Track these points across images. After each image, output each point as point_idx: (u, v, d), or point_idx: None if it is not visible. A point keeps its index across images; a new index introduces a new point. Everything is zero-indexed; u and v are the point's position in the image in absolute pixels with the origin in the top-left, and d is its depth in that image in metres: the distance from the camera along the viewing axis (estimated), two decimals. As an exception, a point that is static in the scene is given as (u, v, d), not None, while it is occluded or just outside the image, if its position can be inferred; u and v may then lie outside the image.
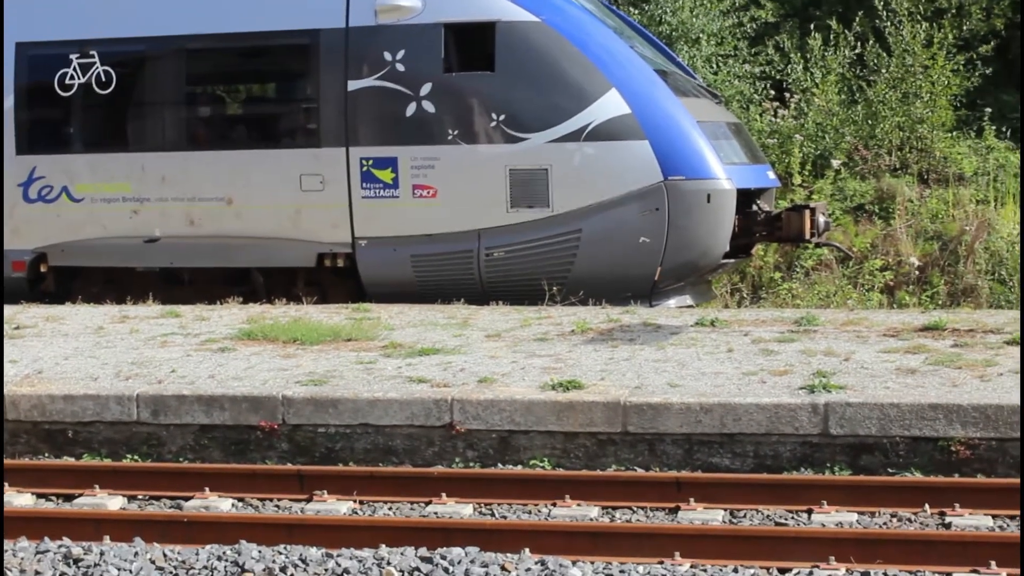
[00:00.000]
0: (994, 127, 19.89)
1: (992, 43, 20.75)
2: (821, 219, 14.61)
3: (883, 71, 19.80)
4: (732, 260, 14.82)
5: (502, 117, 14.10)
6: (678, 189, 13.83)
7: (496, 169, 14.14)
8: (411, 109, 14.29)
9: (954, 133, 20.07)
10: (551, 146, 14.01)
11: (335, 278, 14.85)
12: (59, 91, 15.34)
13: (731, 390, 9.20)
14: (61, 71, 15.31)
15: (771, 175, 15.38)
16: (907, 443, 8.72)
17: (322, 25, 14.64)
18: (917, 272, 17.63)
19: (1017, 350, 10.29)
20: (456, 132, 14.20)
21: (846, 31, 20.05)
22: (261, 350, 11.16)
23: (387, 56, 14.36)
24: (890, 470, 8.67)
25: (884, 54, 19.86)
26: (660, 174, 13.82)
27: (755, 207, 14.64)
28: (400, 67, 14.33)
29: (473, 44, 14.30)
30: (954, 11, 21.33)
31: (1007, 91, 21.77)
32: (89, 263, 15.47)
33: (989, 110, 20.08)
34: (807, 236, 14.52)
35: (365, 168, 14.41)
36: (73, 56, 15.30)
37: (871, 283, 17.36)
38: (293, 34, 14.85)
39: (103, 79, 15.22)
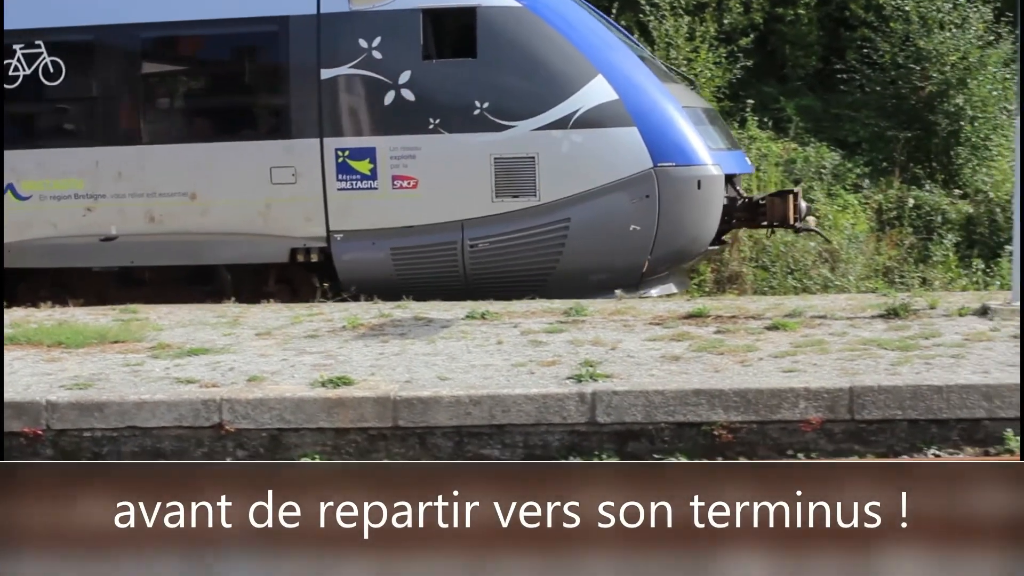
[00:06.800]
0: (756, 118, 20.42)
1: (752, 36, 21.30)
2: (803, 204, 14.62)
3: (648, 64, 20.16)
4: (714, 247, 14.78)
5: (486, 105, 13.82)
6: (668, 176, 13.71)
7: (480, 158, 13.86)
8: (390, 98, 13.96)
9: (718, 124, 20.56)
10: (538, 134, 13.79)
11: (307, 274, 14.47)
12: (2, 84, 14.62)
13: (500, 382, 9.29)
14: (4, 62, 14.58)
15: (748, 161, 15.34)
16: (672, 429, 8.91)
17: (291, 12, 14.21)
18: (684, 260, 17.98)
19: (776, 335, 10.60)
20: (438, 121, 13.89)
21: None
22: (24, 355, 10.88)
23: (362, 43, 14.00)
24: (656, 456, 8.86)
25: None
26: (650, 161, 13.67)
27: (735, 192, 14.58)
28: (377, 54, 13.98)
29: (453, 30, 14.06)
30: (714, 5, 21.83)
31: (767, 83, 22.36)
32: (39, 264, 14.79)
33: (751, 101, 20.60)
34: (791, 221, 14.49)
35: (341, 159, 14.02)
36: (17, 47, 14.60)
37: (640, 272, 17.66)
38: (260, 21, 14.39)
39: (51, 70, 14.55)
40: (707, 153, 13.95)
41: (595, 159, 13.79)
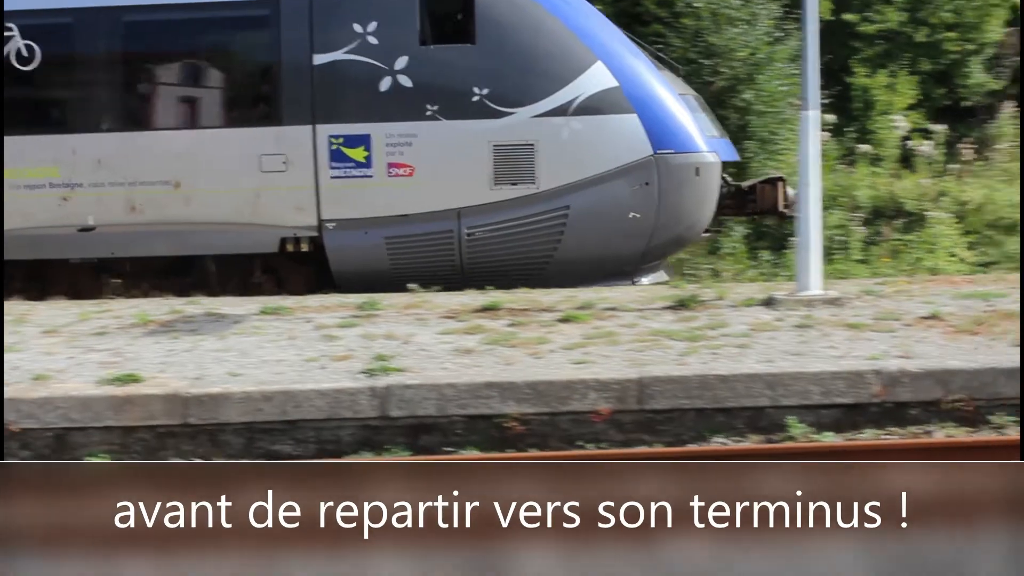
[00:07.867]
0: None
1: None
2: (791, 191, 14.54)
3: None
4: (705, 234, 14.76)
5: (485, 91, 13.58)
6: (668, 163, 13.63)
7: (479, 145, 13.63)
8: (385, 84, 13.64)
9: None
10: (537, 121, 13.61)
11: (295, 265, 14.07)
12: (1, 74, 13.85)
13: (292, 377, 9.25)
14: None
15: (734, 149, 15.31)
16: (464, 422, 8.96)
17: None
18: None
19: (568, 327, 10.73)
20: (435, 107, 13.61)
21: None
22: None
23: (357, 28, 13.66)
24: (448, 448, 8.90)
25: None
26: (650, 148, 13.59)
27: (724, 180, 14.51)
28: (372, 39, 13.66)
29: (451, 15, 13.79)
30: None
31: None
32: (12, 256, 13.99)
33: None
34: (780, 208, 14.49)
35: (334, 147, 13.65)
36: None
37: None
38: (250, 4, 13.99)
39: (24, 54, 13.91)
40: (704, 140, 14.04)
41: (595, 146, 13.73)
